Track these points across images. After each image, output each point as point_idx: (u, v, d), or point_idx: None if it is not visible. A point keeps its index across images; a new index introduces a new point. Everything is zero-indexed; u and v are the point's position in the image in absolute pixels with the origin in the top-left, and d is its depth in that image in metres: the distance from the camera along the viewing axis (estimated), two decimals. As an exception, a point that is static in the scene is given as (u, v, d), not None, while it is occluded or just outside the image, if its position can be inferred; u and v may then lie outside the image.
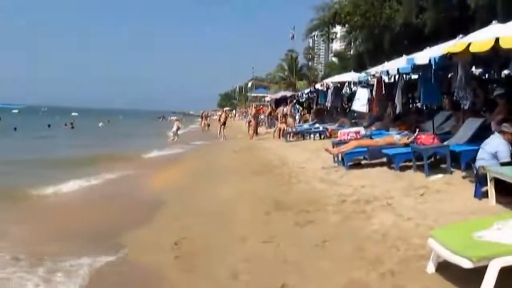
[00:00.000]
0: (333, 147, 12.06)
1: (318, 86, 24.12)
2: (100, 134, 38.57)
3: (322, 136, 18.91)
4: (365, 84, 15.40)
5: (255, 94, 63.70)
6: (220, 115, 30.67)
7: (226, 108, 73.09)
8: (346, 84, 18.83)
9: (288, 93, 34.23)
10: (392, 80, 13.89)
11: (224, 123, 28.47)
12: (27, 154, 19.54)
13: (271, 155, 15.70)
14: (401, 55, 13.03)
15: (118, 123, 63.57)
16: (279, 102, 32.58)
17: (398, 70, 11.83)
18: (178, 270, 5.52)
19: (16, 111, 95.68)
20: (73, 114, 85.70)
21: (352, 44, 33.65)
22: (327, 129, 18.77)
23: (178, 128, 30.17)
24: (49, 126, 45.93)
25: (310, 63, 60.69)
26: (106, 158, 17.52)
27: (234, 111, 74.34)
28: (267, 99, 41.70)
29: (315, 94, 24.82)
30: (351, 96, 18.73)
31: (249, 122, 28.12)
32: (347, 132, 12.66)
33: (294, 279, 4.76)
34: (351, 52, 35.96)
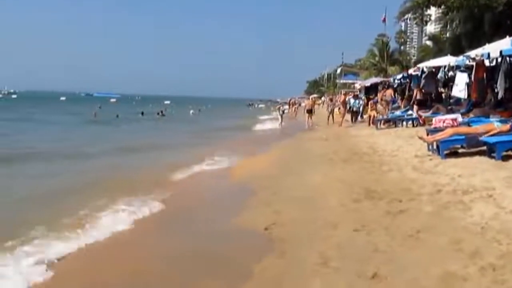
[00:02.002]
0: (428, 134, 11.58)
1: (411, 71, 23.22)
2: (193, 124, 38.29)
3: (415, 124, 18.19)
4: (464, 69, 14.54)
5: (344, 81, 62.66)
6: (307, 103, 30.93)
7: (314, 95, 72.62)
8: (442, 68, 17.90)
9: (379, 80, 33.20)
10: (494, 63, 13.01)
11: (310, 111, 28.37)
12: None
13: (361, 143, 15.41)
14: (504, 37, 12.15)
15: (208, 112, 65.47)
16: (370, 89, 31.82)
17: (501, 52, 11.04)
18: (268, 255, 5.62)
19: (113, 100, 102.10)
20: (166, 102, 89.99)
21: (448, 26, 31.87)
22: (420, 116, 18.01)
23: (283, 112, 31.30)
24: (142, 114, 48.14)
25: (402, 48, 58.30)
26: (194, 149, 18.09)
27: (323, 98, 73.41)
28: (357, 86, 40.78)
29: (407, 80, 23.89)
30: (447, 81, 17.81)
31: (338, 109, 27.83)
32: (443, 119, 12.07)
33: (386, 269, 4.66)
34: (447, 34, 34.06)
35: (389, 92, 23.01)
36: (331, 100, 31.53)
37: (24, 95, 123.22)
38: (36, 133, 25.58)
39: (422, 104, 19.04)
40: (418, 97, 19.71)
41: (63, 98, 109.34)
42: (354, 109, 25.39)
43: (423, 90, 20.03)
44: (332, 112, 28.04)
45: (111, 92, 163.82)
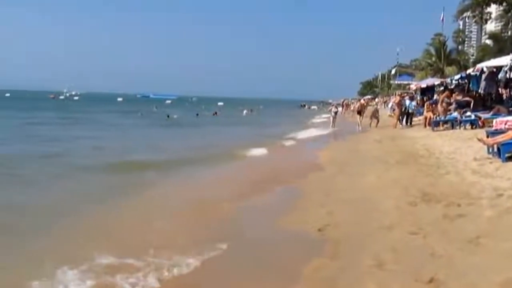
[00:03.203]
0: (488, 136, 11.18)
1: (469, 71, 22.43)
2: (247, 126, 35.90)
3: (474, 126, 17.56)
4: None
5: (399, 82, 61.29)
6: (358, 105, 30.66)
7: (367, 97, 71.43)
8: (503, 68, 17.17)
9: (436, 81, 32.20)
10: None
11: (360, 112, 28.01)
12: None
13: (417, 145, 15.06)
14: None
15: (261, 113, 65.75)
16: (426, 90, 30.97)
17: None
18: (321, 257, 5.64)
19: (169, 101, 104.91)
20: (219, 103, 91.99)
21: (510, 24, 30.62)
22: (479, 118, 17.38)
23: (336, 112, 31.31)
24: (197, 115, 50.51)
25: (460, 47, 56.34)
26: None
27: (377, 99, 71.90)
28: (412, 87, 39.78)
29: (466, 81, 23.08)
30: (509, 81, 17.09)
31: (393, 110, 27.31)
32: (504, 120, 11.62)
33: (444, 274, 4.56)
34: (509, 33, 32.69)
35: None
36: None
37: (85, 97, 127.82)
38: (106, 137, 24.47)
39: (462, 106, 18.54)
40: (458, 98, 19.07)
41: (120, 99, 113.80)
42: (410, 110, 24.80)
43: (480, 92, 19.37)
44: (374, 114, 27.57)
45: (167, 94, 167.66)
